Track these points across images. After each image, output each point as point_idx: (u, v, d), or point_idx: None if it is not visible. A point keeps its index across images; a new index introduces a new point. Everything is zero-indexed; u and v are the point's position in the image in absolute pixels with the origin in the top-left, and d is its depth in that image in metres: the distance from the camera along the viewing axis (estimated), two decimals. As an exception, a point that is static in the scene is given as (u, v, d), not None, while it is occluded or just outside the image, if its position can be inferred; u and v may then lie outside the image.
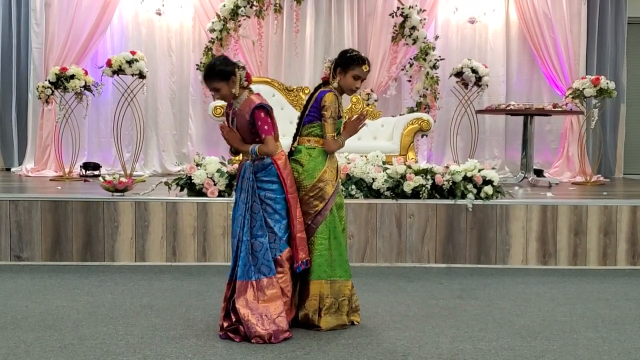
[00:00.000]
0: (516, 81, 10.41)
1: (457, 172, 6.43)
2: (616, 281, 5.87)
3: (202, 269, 6.05)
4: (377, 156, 6.83)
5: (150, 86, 9.66)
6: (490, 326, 4.43)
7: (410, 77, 9.43)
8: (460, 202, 6.37)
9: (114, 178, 6.43)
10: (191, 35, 10.01)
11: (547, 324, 4.50)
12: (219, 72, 4.06)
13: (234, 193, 4.33)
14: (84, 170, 9.23)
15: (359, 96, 9.22)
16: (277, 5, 8.98)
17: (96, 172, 9.22)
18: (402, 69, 9.53)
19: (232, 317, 4.09)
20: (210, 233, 6.24)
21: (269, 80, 9.11)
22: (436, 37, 9.59)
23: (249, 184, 4.13)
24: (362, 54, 4.33)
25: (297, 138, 4.37)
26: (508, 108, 8.85)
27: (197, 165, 6.45)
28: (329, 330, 4.22)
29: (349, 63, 4.24)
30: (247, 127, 4.09)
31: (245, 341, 4.00)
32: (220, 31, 8.90)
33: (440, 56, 9.23)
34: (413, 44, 9.19)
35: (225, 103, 4.31)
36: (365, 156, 6.80)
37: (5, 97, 9.89)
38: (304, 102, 4.44)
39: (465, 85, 9.33)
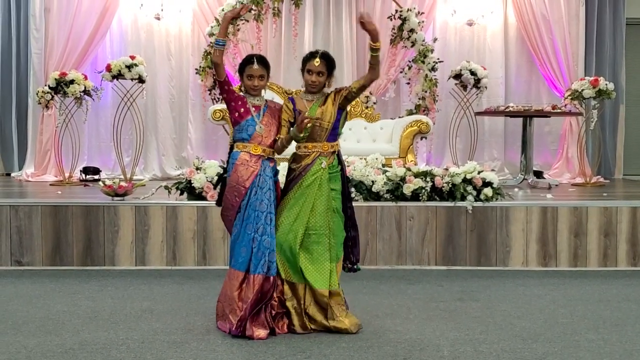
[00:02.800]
0: (515, 83, 10.41)
1: (456, 174, 6.44)
2: (617, 282, 5.87)
3: (202, 272, 6.05)
4: (376, 159, 6.84)
5: (150, 90, 9.65)
6: (491, 328, 4.43)
7: (409, 79, 9.42)
8: (460, 204, 6.38)
9: (114, 182, 6.43)
10: (190, 39, 10.02)
11: (548, 326, 4.51)
12: (268, 65, 4.43)
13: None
14: (84, 175, 9.23)
15: (358, 99, 9.22)
16: (276, 9, 8.99)
17: (96, 177, 9.22)
18: (401, 72, 9.53)
19: (274, 309, 4.29)
20: (210, 237, 6.24)
21: (268, 84, 9.09)
22: (434, 40, 9.60)
23: (270, 181, 4.36)
24: (320, 50, 4.41)
25: None
26: (507, 110, 8.85)
27: (197, 169, 6.46)
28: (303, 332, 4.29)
29: (302, 63, 4.42)
30: (279, 122, 4.43)
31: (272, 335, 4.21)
32: (220, 35, 8.90)
33: (438, 58, 9.24)
34: (411, 46, 9.20)
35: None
36: (365, 159, 6.81)
37: (5, 102, 9.90)
38: None
39: (464, 87, 9.34)
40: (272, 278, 4.25)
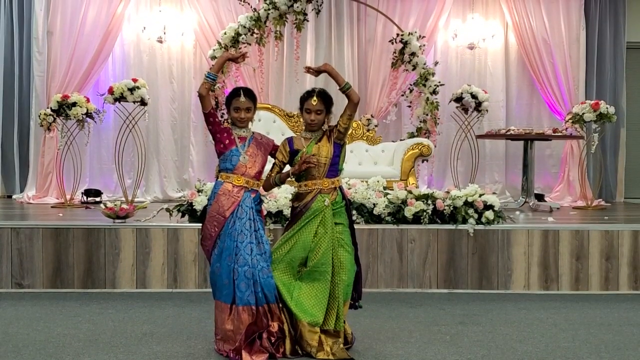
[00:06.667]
0: (516, 106, 10.45)
1: (458, 197, 6.44)
2: (618, 306, 5.85)
3: (203, 295, 6.03)
4: (377, 181, 6.85)
5: (152, 113, 9.69)
6: (493, 352, 4.41)
7: (410, 102, 9.45)
8: (461, 227, 6.38)
9: (115, 205, 6.44)
10: (192, 62, 10.08)
11: (550, 350, 4.49)
12: (255, 97, 4.42)
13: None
14: (85, 197, 9.24)
15: (359, 121, 9.25)
16: (278, 32, 9.03)
17: (97, 199, 9.23)
18: (402, 95, 9.56)
19: (273, 336, 4.22)
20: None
21: (270, 107, 9.14)
22: (436, 63, 9.63)
23: (251, 212, 4.30)
24: (316, 89, 4.43)
25: None
26: (508, 133, 8.88)
27: (199, 191, 6.46)
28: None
29: (301, 101, 4.45)
30: (267, 154, 4.46)
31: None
32: (222, 58, 8.93)
33: (440, 82, 9.26)
34: (413, 69, 9.23)
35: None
36: (366, 181, 6.81)
37: (7, 125, 9.93)
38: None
39: (465, 110, 9.37)
40: (261, 308, 4.20)
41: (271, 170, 4.48)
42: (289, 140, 4.49)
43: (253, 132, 4.47)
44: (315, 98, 4.33)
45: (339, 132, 4.35)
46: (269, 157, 4.51)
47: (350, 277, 4.36)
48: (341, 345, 4.24)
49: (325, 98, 4.37)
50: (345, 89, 4.30)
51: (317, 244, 4.29)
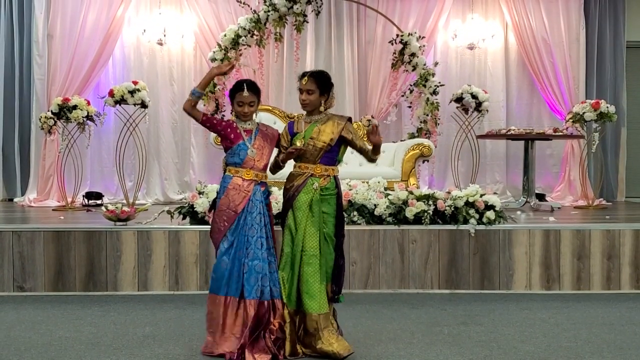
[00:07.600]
0: (516, 106, 10.45)
1: (459, 197, 6.44)
2: (620, 305, 5.85)
3: (205, 297, 5.99)
4: (378, 182, 6.84)
5: (152, 115, 9.69)
6: (495, 353, 4.41)
7: (411, 103, 9.45)
8: (462, 227, 6.37)
9: (116, 207, 6.44)
10: (192, 64, 10.08)
11: (552, 350, 4.48)
12: (259, 90, 4.38)
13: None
14: (86, 200, 9.24)
15: (359, 122, 9.24)
16: (278, 34, 9.04)
17: (99, 202, 9.23)
18: (402, 95, 9.56)
19: (273, 334, 4.21)
20: (213, 261, 6.19)
21: (270, 108, 9.15)
22: (436, 64, 9.64)
23: (261, 205, 4.32)
24: (309, 71, 4.46)
25: None
26: (509, 133, 8.88)
27: (200, 193, 6.46)
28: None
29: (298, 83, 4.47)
30: (273, 145, 4.44)
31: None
32: (222, 60, 8.94)
33: (440, 82, 9.26)
34: (413, 70, 9.24)
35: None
36: (367, 182, 6.81)
37: (8, 128, 9.92)
38: None
39: (466, 110, 9.36)
40: (266, 303, 4.21)
41: (277, 156, 4.52)
42: (290, 125, 4.51)
43: (258, 124, 4.45)
44: (306, 78, 4.35)
45: (351, 141, 4.40)
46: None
47: (330, 263, 4.37)
48: (338, 335, 4.29)
49: (318, 78, 4.36)
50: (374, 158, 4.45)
51: (305, 228, 4.30)
